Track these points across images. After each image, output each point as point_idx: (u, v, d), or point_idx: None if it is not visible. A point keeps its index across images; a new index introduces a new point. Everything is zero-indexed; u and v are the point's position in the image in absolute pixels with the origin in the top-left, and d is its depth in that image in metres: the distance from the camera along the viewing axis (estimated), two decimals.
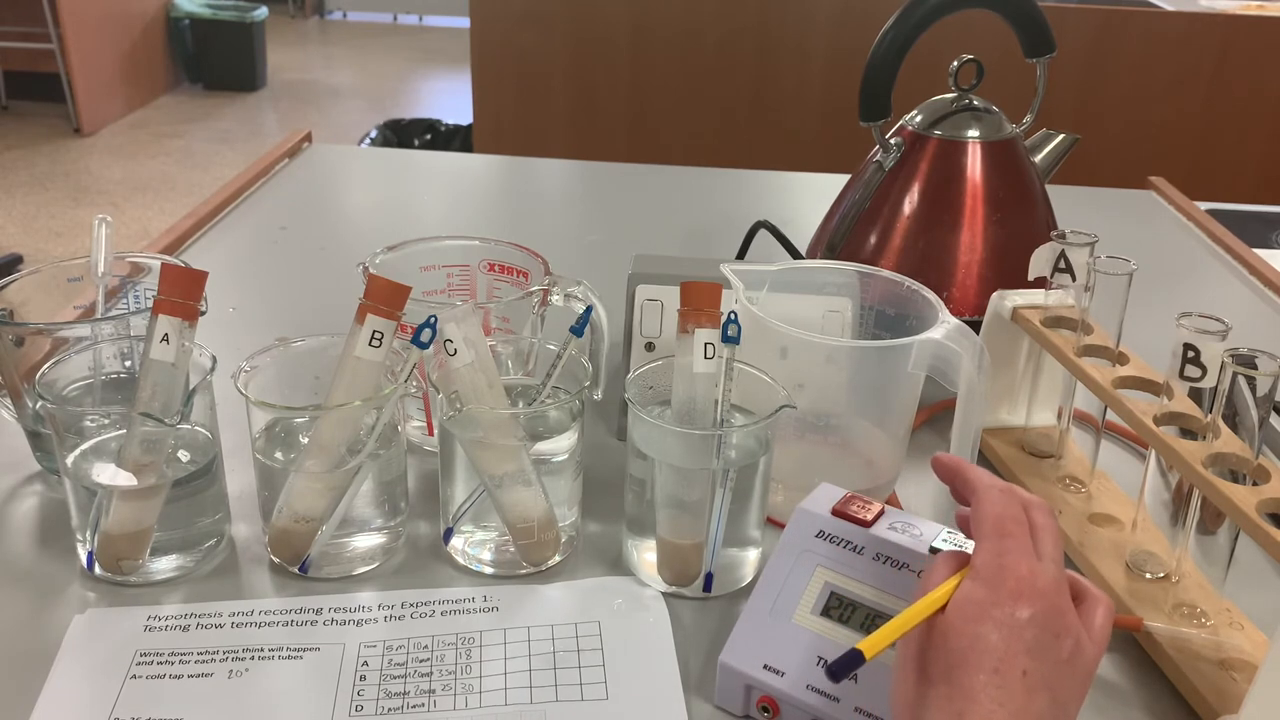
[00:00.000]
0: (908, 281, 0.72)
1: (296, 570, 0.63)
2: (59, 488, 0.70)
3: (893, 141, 0.92)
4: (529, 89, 2.26)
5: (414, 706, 0.54)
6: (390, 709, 0.54)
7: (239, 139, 4.19)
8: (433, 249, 0.79)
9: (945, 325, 0.66)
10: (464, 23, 2.91)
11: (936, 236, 0.90)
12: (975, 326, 0.71)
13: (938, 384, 0.66)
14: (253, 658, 0.57)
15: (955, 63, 0.90)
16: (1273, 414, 0.77)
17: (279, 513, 0.62)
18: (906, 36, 0.87)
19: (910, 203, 0.90)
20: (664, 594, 0.63)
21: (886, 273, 0.73)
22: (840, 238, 0.94)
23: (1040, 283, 0.72)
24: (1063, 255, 0.70)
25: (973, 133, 0.90)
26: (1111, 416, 0.66)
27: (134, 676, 0.56)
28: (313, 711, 0.54)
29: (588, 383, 0.63)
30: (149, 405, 0.58)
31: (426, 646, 0.58)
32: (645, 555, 0.64)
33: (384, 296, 0.59)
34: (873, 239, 0.92)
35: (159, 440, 0.60)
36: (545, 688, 0.55)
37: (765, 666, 0.53)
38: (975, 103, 0.91)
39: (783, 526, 0.58)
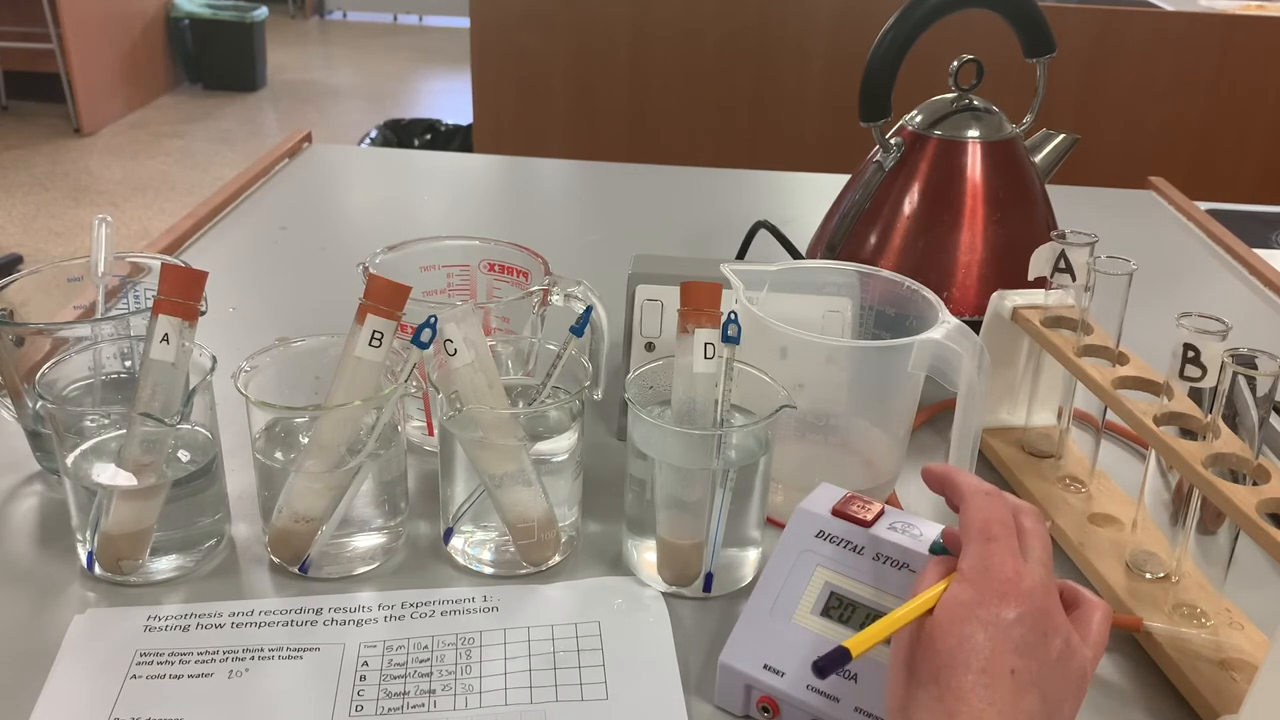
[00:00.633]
0: (908, 281, 0.72)
1: (296, 570, 0.63)
2: (59, 488, 0.70)
3: (893, 141, 0.92)
4: (529, 89, 2.26)
5: (414, 706, 0.54)
6: (390, 709, 0.54)
7: (239, 139, 4.19)
8: (433, 249, 0.79)
9: (945, 325, 0.66)
10: (464, 23, 2.91)
11: (936, 236, 0.90)
12: (975, 326, 0.71)
13: (938, 384, 0.66)
14: (253, 658, 0.57)
15: (955, 63, 0.90)
16: (1273, 414, 0.77)
17: (279, 513, 0.62)
18: (906, 36, 0.87)
19: (910, 203, 0.90)
20: (664, 594, 0.63)
21: (886, 273, 0.73)
22: (840, 238, 0.94)
23: (1040, 283, 0.72)
24: (1063, 255, 0.70)
25: (973, 133, 0.90)
26: (1111, 416, 0.66)
27: (134, 676, 0.56)
28: (313, 711, 0.54)
29: (588, 383, 0.63)
30: (149, 405, 0.58)
31: (426, 647, 0.58)
32: (645, 555, 0.64)
33: (384, 296, 0.59)
34: (873, 239, 0.92)
35: (159, 440, 0.60)
36: (545, 688, 0.55)
37: (765, 667, 0.53)
38: (975, 103, 0.91)
39: (783, 526, 0.58)
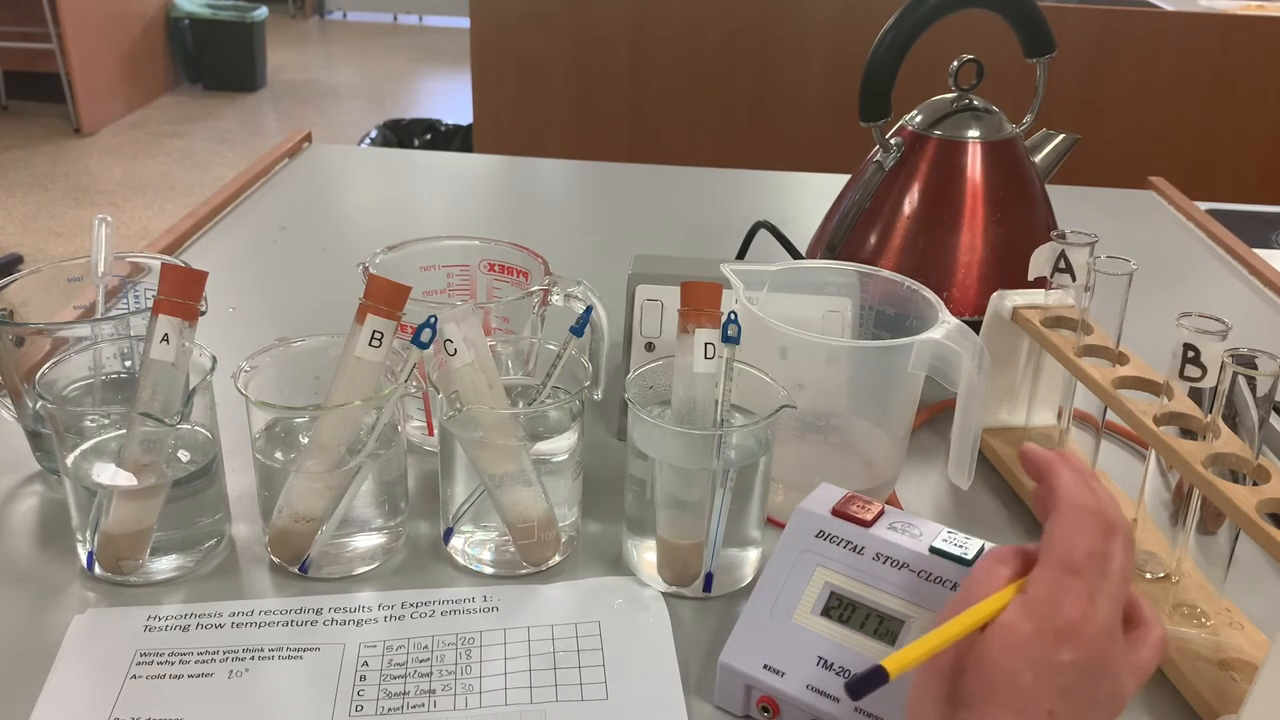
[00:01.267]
0: (908, 281, 0.72)
1: (296, 570, 0.63)
2: (59, 488, 0.70)
3: (893, 141, 0.92)
4: (529, 89, 2.26)
5: (414, 706, 0.54)
6: (390, 709, 0.54)
7: (239, 139, 4.19)
8: (433, 249, 0.79)
9: (945, 325, 0.66)
10: (464, 23, 2.91)
11: (936, 236, 0.90)
12: (975, 326, 0.71)
13: (938, 384, 0.66)
14: (253, 658, 0.57)
15: (955, 63, 0.90)
16: (1273, 414, 0.77)
17: (279, 513, 0.62)
18: (906, 36, 0.87)
19: (910, 203, 0.90)
20: (664, 594, 0.63)
21: (886, 273, 0.73)
22: (840, 238, 0.94)
23: (1040, 283, 0.72)
24: (1063, 255, 0.70)
25: (973, 133, 0.90)
26: (1111, 416, 0.66)
27: (134, 676, 0.56)
28: (313, 711, 0.54)
29: (588, 383, 0.63)
30: (149, 405, 0.58)
31: (426, 646, 0.58)
32: (645, 555, 0.64)
33: (384, 296, 0.59)
34: (873, 239, 0.92)
35: (159, 440, 0.60)
36: (545, 688, 0.55)
37: (765, 666, 0.53)
38: (975, 103, 0.91)
39: (783, 526, 0.58)
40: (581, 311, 0.65)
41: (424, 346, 0.59)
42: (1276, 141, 2.21)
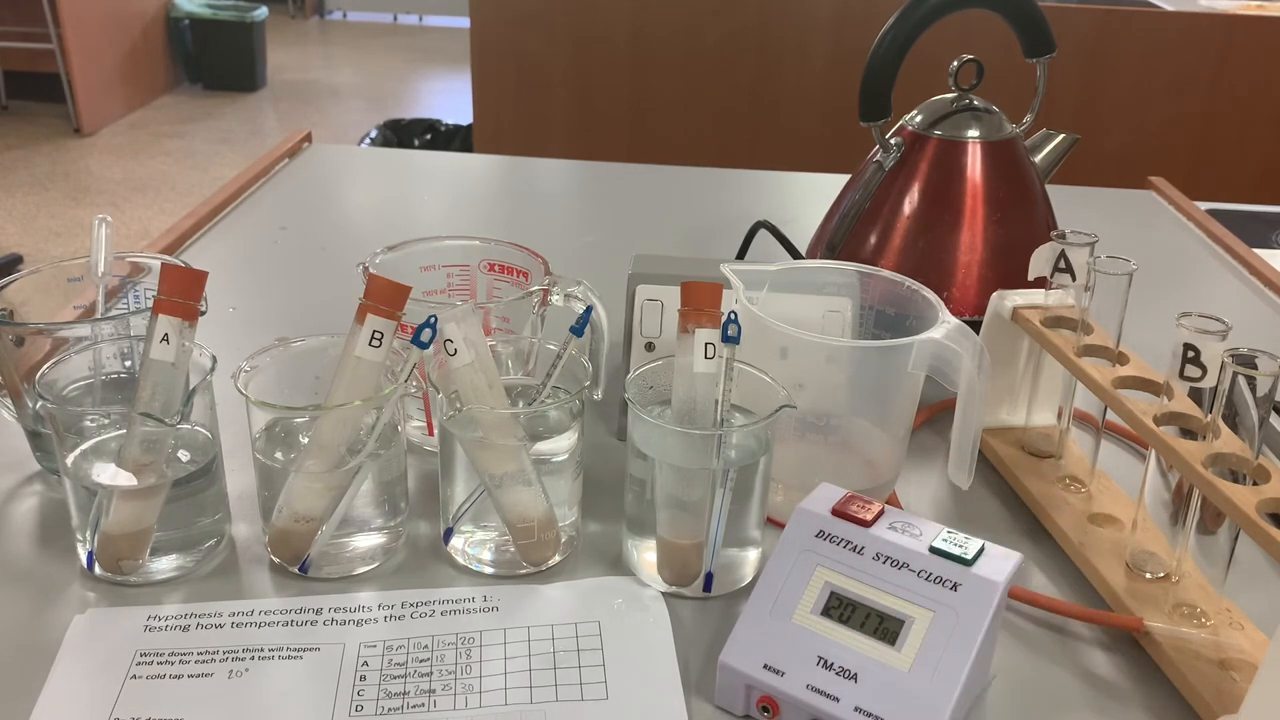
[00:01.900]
0: (908, 281, 0.72)
1: (296, 570, 0.63)
2: (59, 488, 0.70)
3: (893, 141, 0.92)
4: (529, 89, 2.26)
5: (414, 706, 0.54)
6: (390, 709, 0.54)
7: (239, 139, 4.19)
8: (433, 249, 0.79)
9: (945, 325, 0.66)
10: (464, 23, 2.91)
11: (936, 236, 0.90)
12: (975, 326, 0.71)
13: (938, 384, 0.66)
14: (253, 658, 0.57)
15: (955, 63, 0.90)
16: (1273, 414, 0.77)
17: (279, 513, 0.62)
18: (906, 36, 0.87)
19: (910, 203, 0.91)
20: (664, 594, 0.63)
21: (886, 273, 0.73)
22: (840, 238, 0.94)
23: (1040, 283, 0.72)
24: (1063, 255, 0.70)
25: (973, 133, 0.90)
26: (1111, 416, 0.66)
27: (134, 676, 0.56)
28: (313, 711, 0.54)
29: (588, 383, 0.63)
30: (149, 405, 0.58)
31: (426, 646, 0.58)
32: (645, 555, 0.64)
33: (384, 296, 0.59)
34: (873, 239, 0.92)
35: (159, 440, 0.60)
36: (545, 687, 0.55)
37: (765, 666, 0.53)
38: (975, 103, 0.91)
39: (783, 526, 0.58)
40: (581, 311, 0.65)
41: (424, 346, 0.59)
42: (1276, 141, 2.21)
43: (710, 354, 0.60)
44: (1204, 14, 2.20)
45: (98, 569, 0.62)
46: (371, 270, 0.71)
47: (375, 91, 4.94)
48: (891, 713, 0.51)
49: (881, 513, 0.56)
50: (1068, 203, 1.01)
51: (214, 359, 0.63)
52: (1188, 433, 0.59)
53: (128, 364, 0.69)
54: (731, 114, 2.24)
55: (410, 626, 0.60)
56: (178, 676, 0.56)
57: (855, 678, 0.52)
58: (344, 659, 0.57)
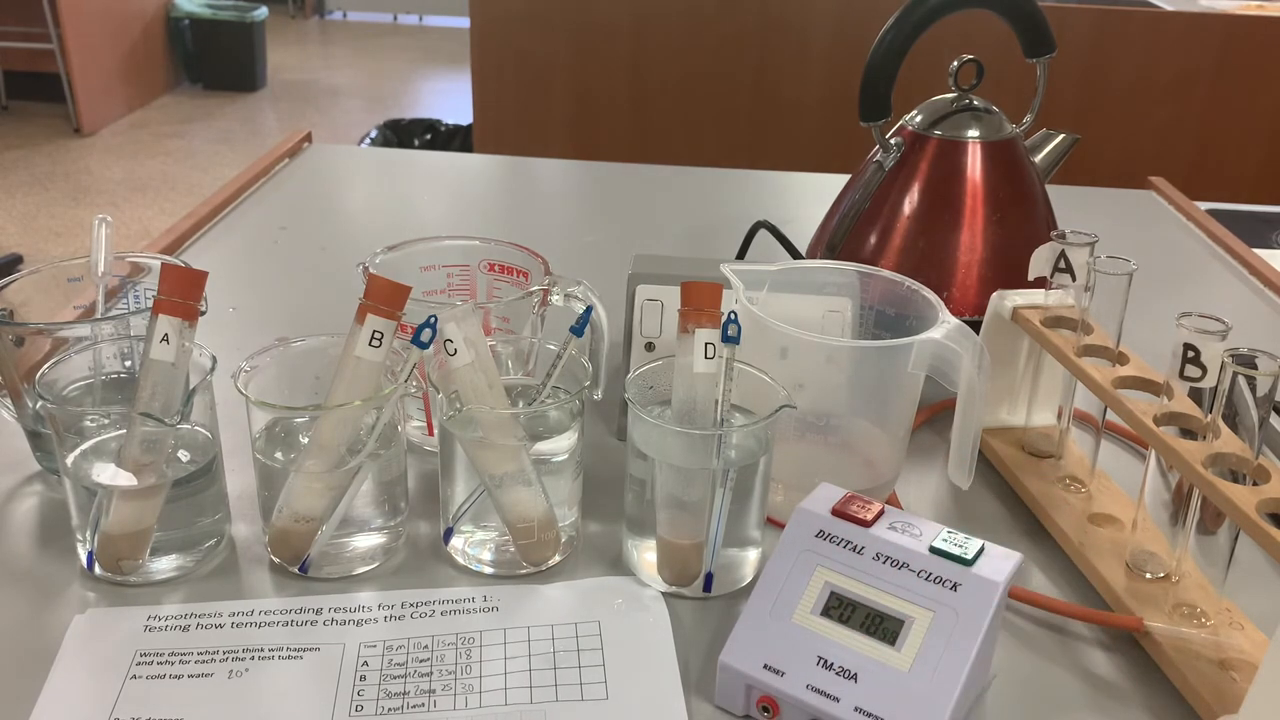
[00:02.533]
0: (908, 281, 0.72)
1: (296, 570, 0.63)
2: (59, 488, 0.70)
3: (893, 141, 0.92)
4: (529, 89, 2.26)
5: (414, 706, 0.54)
6: (390, 709, 0.54)
7: (239, 139, 4.19)
8: (433, 249, 0.79)
9: (945, 325, 0.66)
10: (464, 23, 2.91)
11: (936, 236, 0.90)
12: (975, 326, 0.71)
13: (938, 384, 0.66)
14: (253, 658, 0.57)
15: (955, 63, 0.90)
16: (1273, 414, 0.77)
17: (279, 513, 0.61)
18: (906, 37, 0.87)
19: (910, 203, 0.90)
20: (664, 594, 0.63)
21: (886, 273, 0.73)
22: (840, 238, 0.94)
23: (1040, 283, 0.72)
24: (1063, 255, 0.70)
25: (973, 133, 0.90)
26: (1111, 416, 0.66)
27: (134, 676, 0.56)
28: (313, 711, 0.54)
29: (588, 383, 0.63)
30: (149, 405, 0.58)
31: (426, 646, 0.58)
32: (645, 555, 0.64)
33: (384, 296, 0.59)
34: (873, 239, 0.92)
35: (159, 440, 0.60)
36: (545, 688, 0.55)
37: (765, 666, 0.53)
38: (975, 103, 0.91)
39: (783, 526, 0.58)
40: (581, 311, 0.65)
41: (424, 346, 0.59)
42: (1276, 141, 2.21)
43: (710, 354, 0.60)
44: (1204, 14, 2.20)
45: (98, 569, 0.62)
46: (371, 270, 0.71)
47: (375, 91, 4.94)
48: (891, 713, 0.51)
49: (881, 513, 0.56)
50: (1068, 203, 1.01)
51: (214, 359, 0.63)
52: (1188, 433, 0.59)
53: (128, 364, 0.69)
54: (731, 114, 2.24)
55: (410, 626, 0.60)
56: (178, 676, 0.56)
57: (855, 678, 0.52)
58: (344, 659, 0.57)
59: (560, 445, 0.64)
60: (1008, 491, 0.74)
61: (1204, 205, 1.32)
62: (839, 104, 2.13)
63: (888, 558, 0.54)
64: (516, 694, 0.55)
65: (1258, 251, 1.18)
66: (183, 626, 0.59)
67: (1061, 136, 0.98)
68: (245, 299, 0.97)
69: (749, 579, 0.64)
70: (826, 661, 0.52)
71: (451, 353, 0.59)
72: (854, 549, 0.55)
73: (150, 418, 0.58)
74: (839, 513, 0.56)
